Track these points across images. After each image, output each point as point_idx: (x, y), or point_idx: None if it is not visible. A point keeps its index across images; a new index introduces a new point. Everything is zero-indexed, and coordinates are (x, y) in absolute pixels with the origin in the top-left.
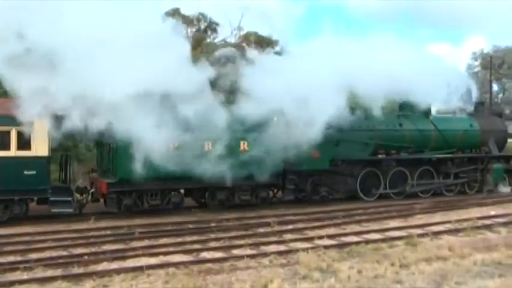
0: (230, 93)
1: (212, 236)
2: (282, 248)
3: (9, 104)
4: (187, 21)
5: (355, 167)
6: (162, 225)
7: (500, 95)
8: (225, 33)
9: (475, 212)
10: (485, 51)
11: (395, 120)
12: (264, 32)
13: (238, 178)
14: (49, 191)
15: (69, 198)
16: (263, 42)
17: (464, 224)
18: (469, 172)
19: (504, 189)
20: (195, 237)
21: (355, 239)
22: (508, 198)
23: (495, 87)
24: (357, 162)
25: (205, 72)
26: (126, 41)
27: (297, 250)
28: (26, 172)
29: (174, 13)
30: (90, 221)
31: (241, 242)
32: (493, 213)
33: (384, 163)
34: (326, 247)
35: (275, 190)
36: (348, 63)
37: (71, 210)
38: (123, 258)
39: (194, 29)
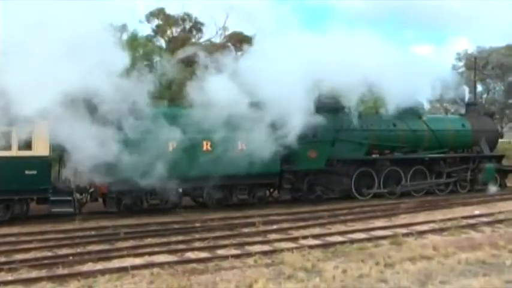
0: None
1: (197, 236)
2: (266, 248)
3: None
4: (172, 21)
5: (350, 167)
6: (147, 225)
7: (485, 96)
8: (210, 33)
9: (459, 212)
10: (469, 52)
11: (389, 120)
12: (249, 32)
13: (236, 177)
14: (50, 190)
15: (70, 198)
16: (248, 42)
17: (449, 224)
18: (461, 172)
19: (492, 188)
20: (179, 237)
21: (340, 238)
22: (493, 197)
23: (479, 87)
24: (351, 162)
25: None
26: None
27: (281, 250)
28: (27, 172)
29: (159, 13)
30: (76, 222)
31: (226, 242)
32: (477, 212)
33: (378, 163)
34: (311, 247)
35: (271, 189)
36: (315, 58)
37: (71, 209)
38: (108, 258)
39: (179, 29)
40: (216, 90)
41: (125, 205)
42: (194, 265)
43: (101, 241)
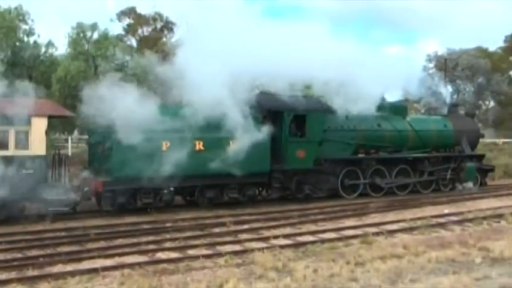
0: None
1: (168, 236)
2: (237, 247)
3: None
4: (143, 20)
5: (337, 166)
6: (117, 226)
7: (455, 96)
8: (182, 32)
9: (429, 211)
10: (439, 54)
11: (375, 121)
12: None
13: (227, 176)
14: (47, 190)
15: (65, 197)
16: None
17: (419, 223)
18: (443, 170)
19: (469, 185)
20: (150, 238)
21: (310, 238)
22: (462, 197)
23: (449, 88)
24: (339, 162)
25: None
26: None
27: (252, 250)
28: (24, 171)
29: (130, 12)
30: (46, 223)
31: (197, 242)
32: (446, 211)
33: (364, 162)
34: (282, 247)
35: (260, 188)
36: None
37: (67, 208)
38: (79, 260)
39: (150, 29)
40: None
41: (118, 204)
42: (165, 265)
43: (71, 242)
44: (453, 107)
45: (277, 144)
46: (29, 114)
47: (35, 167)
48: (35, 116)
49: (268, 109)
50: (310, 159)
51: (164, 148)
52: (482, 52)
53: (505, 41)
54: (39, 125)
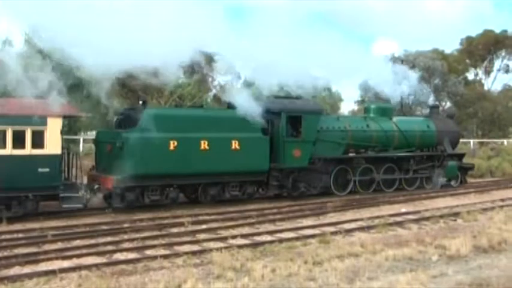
0: None
1: (125, 237)
2: (195, 247)
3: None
4: None
5: (330, 165)
6: (75, 227)
7: (411, 97)
8: None
9: (386, 210)
10: (396, 55)
11: (363, 121)
12: None
13: (229, 175)
14: (61, 187)
15: (79, 194)
16: None
17: (376, 221)
18: (426, 169)
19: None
20: (108, 239)
21: (268, 238)
22: (419, 196)
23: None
24: (331, 160)
25: None
26: None
27: (210, 250)
28: (39, 169)
29: None
30: (2, 224)
31: (155, 242)
32: (404, 210)
33: (355, 161)
34: (240, 246)
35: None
36: None
37: (80, 205)
38: (36, 262)
39: None
40: None
41: (128, 201)
42: (123, 266)
43: (28, 244)
44: (434, 108)
45: (275, 144)
46: (45, 114)
47: (51, 166)
48: (51, 116)
49: (266, 110)
50: (306, 158)
51: (172, 147)
52: (438, 54)
53: (460, 44)
54: (55, 125)
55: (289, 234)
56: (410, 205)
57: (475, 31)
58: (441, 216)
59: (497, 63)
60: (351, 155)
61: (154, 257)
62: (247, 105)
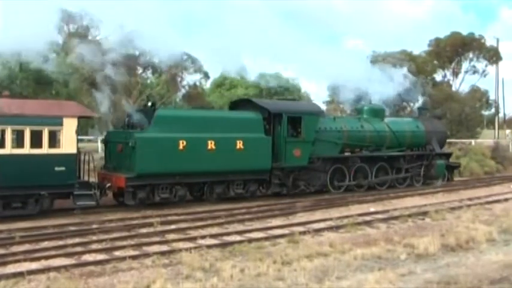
0: None
1: (94, 238)
2: (164, 248)
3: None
4: (69, 17)
5: (327, 164)
6: (43, 228)
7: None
8: (108, 31)
9: (355, 209)
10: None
11: (358, 122)
12: None
13: (234, 174)
14: (76, 185)
15: (91, 192)
16: None
17: (345, 221)
18: (417, 167)
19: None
20: (76, 240)
21: (238, 238)
22: (388, 195)
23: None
24: (328, 159)
25: None
26: None
27: (179, 250)
28: (56, 168)
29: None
30: None
31: (124, 243)
32: (372, 210)
33: (350, 160)
34: (209, 246)
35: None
36: None
37: (93, 203)
38: (3, 264)
39: (76, 26)
40: None
41: (139, 198)
42: (92, 267)
43: None
44: (422, 110)
45: (276, 144)
46: (61, 115)
47: (67, 165)
48: (67, 116)
49: (268, 111)
50: (305, 157)
51: (181, 147)
52: (406, 55)
53: (429, 45)
54: (71, 125)
55: (258, 234)
56: (379, 204)
57: (443, 33)
58: (409, 216)
59: (465, 65)
60: (347, 154)
61: (123, 258)
62: None
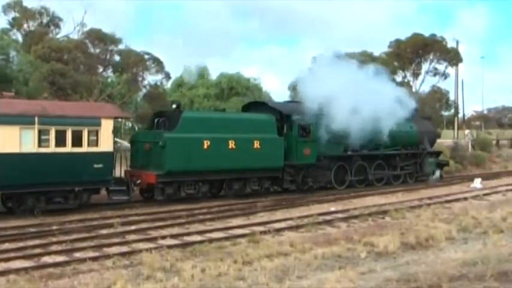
0: None
1: (54, 239)
2: (125, 249)
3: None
4: (29, 14)
5: (332, 162)
6: (2, 229)
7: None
8: (68, 29)
9: (315, 209)
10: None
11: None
12: (107, 30)
13: (250, 171)
14: (113, 181)
15: (125, 188)
16: (107, 40)
17: (305, 220)
18: (411, 165)
19: (438, 173)
20: (36, 242)
21: (198, 238)
22: (348, 195)
23: None
24: (333, 158)
25: None
26: None
27: (140, 251)
28: (95, 165)
29: (16, 5)
30: None
31: (84, 244)
32: (333, 209)
33: (353, 158)
34: (169, 247)
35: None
36: None
37: (126, 197)
38: None
39: (36, 23)
40: None
41: (167, 194)
42: (51, 270)
43: None
44: (414, 111)
45: (288, 143)
46: (99, 116)
47: (104, 162)
48: (104, 117)
49: (280, 113)
50: (314, 156)
51: (205, 146)
52: (367, 56)
53: (389, 46)
54: (108, 126)
55: (218, 234)
56: (339, 204)
57: (402, 35)
58: (369, 214)
59: (426, 66)
60: (350, 153)
61: (83, 260)
62: None
